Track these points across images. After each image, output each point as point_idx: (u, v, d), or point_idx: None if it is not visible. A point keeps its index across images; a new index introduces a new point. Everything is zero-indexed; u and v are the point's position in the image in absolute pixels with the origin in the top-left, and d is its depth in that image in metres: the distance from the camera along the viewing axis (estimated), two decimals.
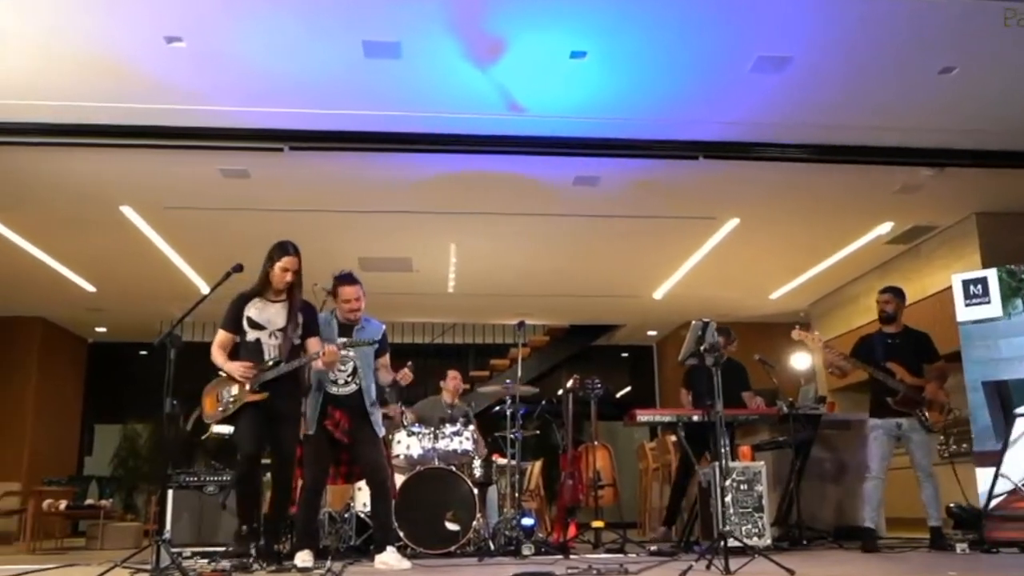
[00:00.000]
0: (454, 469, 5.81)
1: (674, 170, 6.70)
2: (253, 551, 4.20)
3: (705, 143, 6.25)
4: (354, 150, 6.23)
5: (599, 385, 6.36)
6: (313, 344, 4.46)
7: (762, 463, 5.49)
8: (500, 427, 6.40)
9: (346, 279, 4.84)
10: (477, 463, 6.20)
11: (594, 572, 4.04)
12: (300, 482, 4.86)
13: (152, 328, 11.41)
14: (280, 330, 4.48)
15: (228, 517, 5.50)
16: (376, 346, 4.77)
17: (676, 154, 6.35)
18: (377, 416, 4.83)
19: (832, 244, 8.67)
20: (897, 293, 6.00)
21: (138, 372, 12.97)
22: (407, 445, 6.01)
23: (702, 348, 4.62)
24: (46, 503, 7.53)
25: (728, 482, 5.31)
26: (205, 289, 9.48)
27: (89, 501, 8.48)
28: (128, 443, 12.19)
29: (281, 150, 6.08)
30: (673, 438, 8.58)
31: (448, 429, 6.06)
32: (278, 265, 4.51)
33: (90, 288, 9.65)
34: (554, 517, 7.23)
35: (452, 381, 7.06)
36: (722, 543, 3.97)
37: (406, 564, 4.49)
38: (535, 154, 6.31)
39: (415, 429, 6.05)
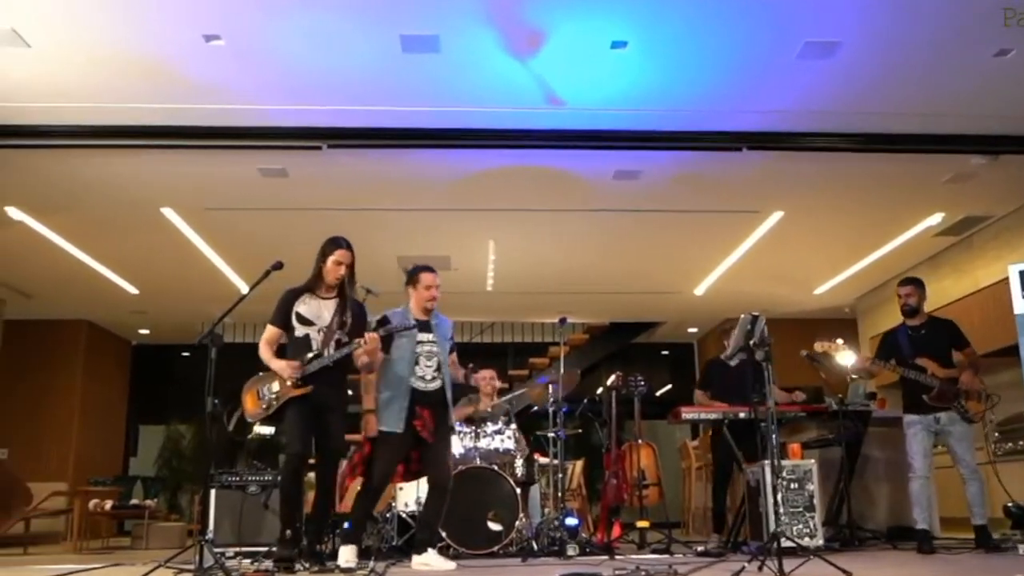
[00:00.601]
0: (496, 468, 5.74)
1: (717, 162, 6.56)
2: (296, 552, 4.15)
3: (749, 134, 6.10)
4: (392, 147, 6.19)
5: (643, 382, 6.25)
6: (368, 335, 4.40)
7: (813, 461, 5.34)
8: (540, 426, 6.32)
9: (425, 267, 4.85)
10: (519, 462, 6.13)
11: (642, 573, 3.94)
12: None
13: (194, 329, 11.52)
14: (328, 326, 4.45)
15: (271, 517, 5.47)
16: (415, 328, 4.67)
17: (719, 145, 6.21)
18: (452, 414, 4.81)
19: (879, 237, 8.45)
20: (919, 284, 5.84)
21: (181, 373, 13.15)
22: None
23: (751, 343, 4.49)
24: (92, 503, 7.61)
25: (778, 481, 5.16)
26: (245, 290, 9.50)
27: (134, 501, 8.56)
28: (172, 443, 12.32)
29: (319, 148, 6.05)
30: None
31: (489, 428, 6.00)
32: (331, 259, 4.49)
33: (133, 290, 9.74)
34: (597, 517, 7.13)
35: (488, 381, 6.95)
36: (775, 544, 3.84)
37: (451, 565, 4.42)
38: (574, 148, 6.22)
39: (456, 427, 5.98)
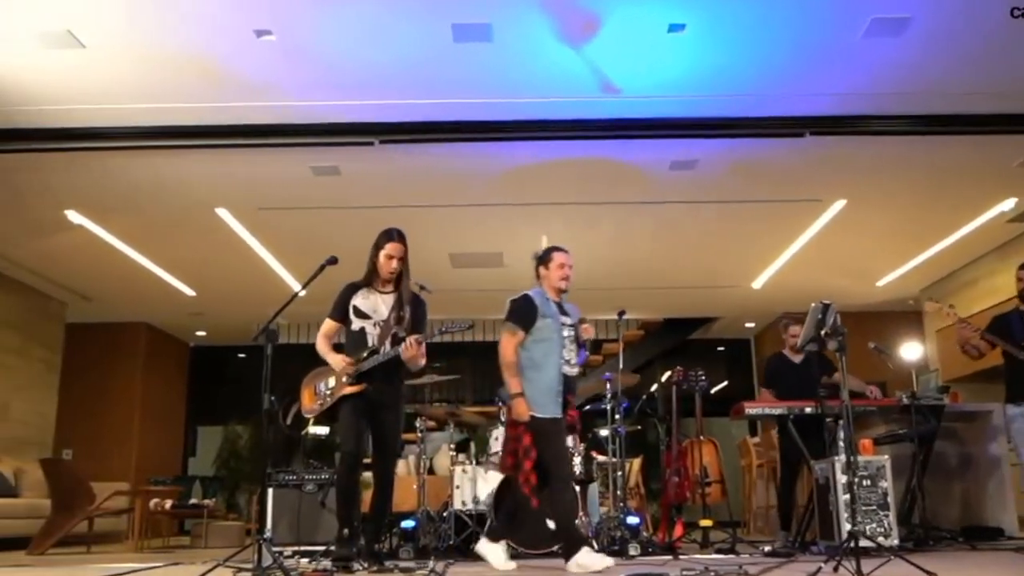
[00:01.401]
0: None
1: (777, 149, 6.35)
2: (354, 552, 4.09)
3: (812, 118, 5.87)
4: (444, 140, 6.10)
5: (704, 377, 6.09)
6: (408, 339, 4.28)
7: (886, 457, 5.12)
8: (596, 424, 6.20)
9: (557, 247, 4.64)
10: (577, 460, 5.99)
11: (711, 574, 3.79)
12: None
13: (250, 331, 11.52)
14: (384, 321, 4.38)
15: (328, 516, 5.45)
16: (468, 327, 4.53)
17: (780, 131, 5.99)
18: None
19: (947, 224, 8.12)
20: None
21: (237, 374, 13.28)
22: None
23: (823, 332, 4.29)
24: (152, 502, 7.69)
25: (848, 478, 4.96)
26: (300, 293, 9.55)
27: (193, 501, 8.64)
28: (229, 444, 12.44)
29: (371, 144, 6.00)
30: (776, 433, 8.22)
31: None
32: (383, 252, 4.43)
33: (190, 292, 9.85)
34: (655, 516, 6.97)
35: None
36: (851, 543, 3.66)
37: (608, 561, 4.13)
38: (629, 138, 6.07)
39: None
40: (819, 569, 3.58)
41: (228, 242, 8.15)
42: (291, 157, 6.34)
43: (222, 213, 7.46)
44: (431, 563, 4.02)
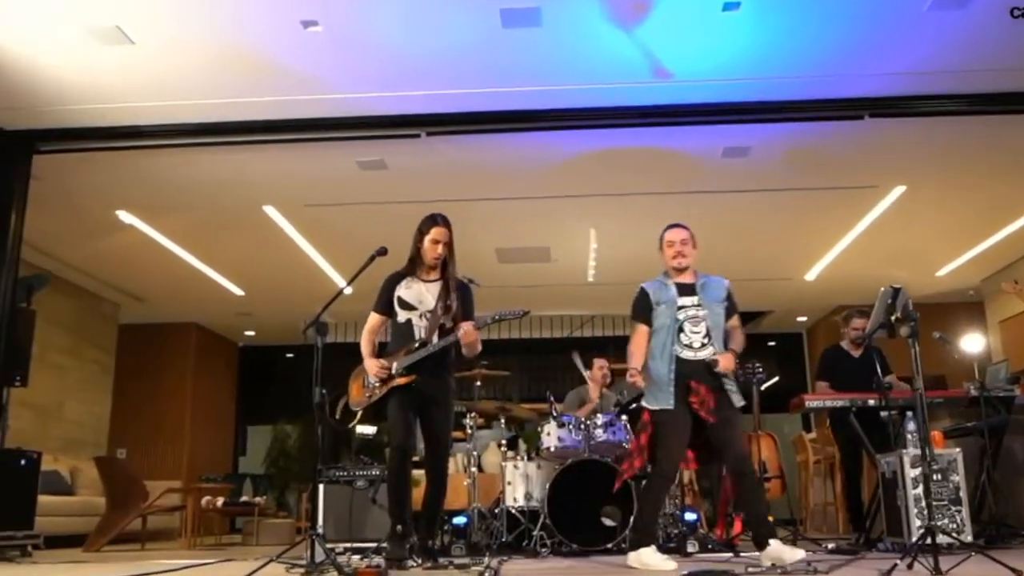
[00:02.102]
0: (609, 462, 5.49)
1: (834, 134, 6.15)
2: (407, 548, 4.00)
3: (872, 99, 5.66)
4: (491, 131, 6.03)
5: (761, 369, 5.91)
6: (464, 326, 4.16)
7: (958, 450, 4.88)
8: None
9: (670, 225, 4.45)
10: None
11: (778, 571, 3.63)
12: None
13: (297, 330, 11.56)
14: (431, 311, 4.28)
15: (378, 512, 5.37)
16: (524, 314, 4.32)
17: (839, 114, 5.80)
18: (734, 387, 4.22)
19: (1011, 211, 7.82)
20: None
21: (286, 373, 13.36)
22: (557, 436, 5.74)
23: (893, 318, 4.10)
24: (204, 500, 7.72)
25: (918, 472, 4.75)
26: (347, 289, 9.53)
27: (244, 498, 8.67)
28: (279, 443, 12.51)
29: (418, 136, 5.94)
30: None
31: (600, 419, 5.76)
32: (427, 237, 4.30)
33: (238, 292, 9.91)
34: (708, 512, 6.79)
35: (599, 370, 6.73)
36: (928, 539, 3.47)
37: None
38: (682, 124, 5.91)
39: (565, 419, 5.77)
40: (894, 566, 3.40)
41: (275, 240, 8.16)
42: (337, 152, 6.30)
43: (269, 211, 7.47)
44: (486, 559, 3.92)
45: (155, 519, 7.87)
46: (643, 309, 4.36)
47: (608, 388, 6.70)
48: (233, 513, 8.69)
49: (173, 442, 11.13)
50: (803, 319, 12.29)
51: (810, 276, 9.76)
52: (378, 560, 3.86)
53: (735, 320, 4.45)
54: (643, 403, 4.35)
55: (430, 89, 5.49)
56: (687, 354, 4.19)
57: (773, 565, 3.79)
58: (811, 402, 5.57)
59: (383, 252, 4.22)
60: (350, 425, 4.21)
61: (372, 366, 4.24)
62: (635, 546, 4.13)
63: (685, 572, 3.61)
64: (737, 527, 5.66)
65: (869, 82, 5.47)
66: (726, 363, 4.17)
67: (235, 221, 7.71)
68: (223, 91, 5.46)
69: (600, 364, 6.75)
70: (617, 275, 9.57)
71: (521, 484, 5.89)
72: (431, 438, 4.23)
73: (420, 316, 4.29)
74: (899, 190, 7.22)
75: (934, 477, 4.75)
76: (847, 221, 7.99)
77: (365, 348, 4.35)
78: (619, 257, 8.89)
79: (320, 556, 3.81)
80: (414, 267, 4.38)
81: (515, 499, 5.86)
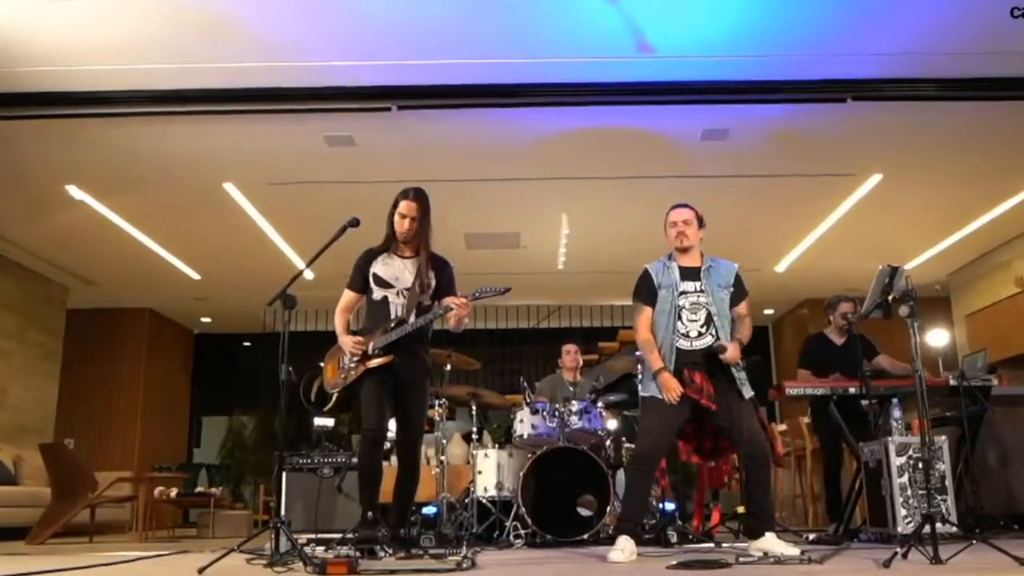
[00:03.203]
0: (585, 450, 5.30)
1: (814, 117, 6.03)
2: (380, 536, 3.76)
3: (856, 81, 5.54)
4: (464, 106, 5.77)
5: (754, 357, 5.77)
6: (455, 299, 3.92)
7: (944, 438, 4.78)
8: (626, 406, 5.89)
9: (673, 205, 4.28)
10: (609, 443, 5.68)
11: (770, 560, 3.47)
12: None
13: (255, 318, 11.31)
14: (408, 288, 4.04)
15: (345, 502, 5.12)
16: (505, 292, 4.04)
17: (822, 96, 5.66)
18: (743, 377, 4.06)
19: (986, 201, 7.77)
20: None
21: (242, 363, 13.01)
22: (531, 424, 5.54)
23: (890, 298, 3.96)
24: (157, 491, 7.37)
25: (904, 459, 4.64)
26: (309, 275, 9.21)
27: (199, 489, 8.32)
28: (234, 434, 12.19)
29: (388, 109, 5.67)
30: (806, 420, 7.88)
31: (575, 406, 5.56)
32: (397, 211, 4.10)
33: (195, 275, 9.53)
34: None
35: (568, 356, 6.51)
36: (926, 527, 3.34)
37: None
38: (663, 103, 5.73)
39: (539, 406, 5.57)
40: (895, 555, 3.25)
41: (235, 221, 7.83)
42: (304, 126, 6.02)
43: (230, 188, 7.14)
44: (463, 550, 3.68)
45: (104, 511, 7.49)
46: (648, 291, 4.17)
47: (582, 375, 6.50)
48: (188, 504, 8.36)
49: (124, 432, 10.71)
50: (770, 312, 12.26)
51: (780, 268, 9.69)
52: (343, 550, 3.62)
53: (743, 307, 4.27)
54: (639, 391, 4.18)
55: (403, 59, 5.23)
56: (683, 343, 4.04)
57: (765, 554, 3.63)
58: (791, 389, 5.46)
59: (355, 223, 3.99)
60: (324, 409, 3.93)
61: (347, 342, 4.00)
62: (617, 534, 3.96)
63: (675, 562, 3.43)
64: (715, 518, 5.52)
65: (855, 63, 5.33)
66: (733, 352, 3.98)
67: (193, 199, 7.36)
68: (183, 55, 5.14)
69: (567, 349, 6.54)
70: (587, 263, 9.42)
71: (492, 473, 5.68)
72: (405, 421, 4.00)
73: (397, 294, 4.08)
74: (875, 178, 7.14)
75: (918, 465, 4.64)
76: (822, 210, 7.90)
77: (338, 326, 4.13)
78: (590, 244, 8.71)
79: (285, 547, 3.57)
80: (390, 243, 4.16)
81: (485, 489, 5.65)
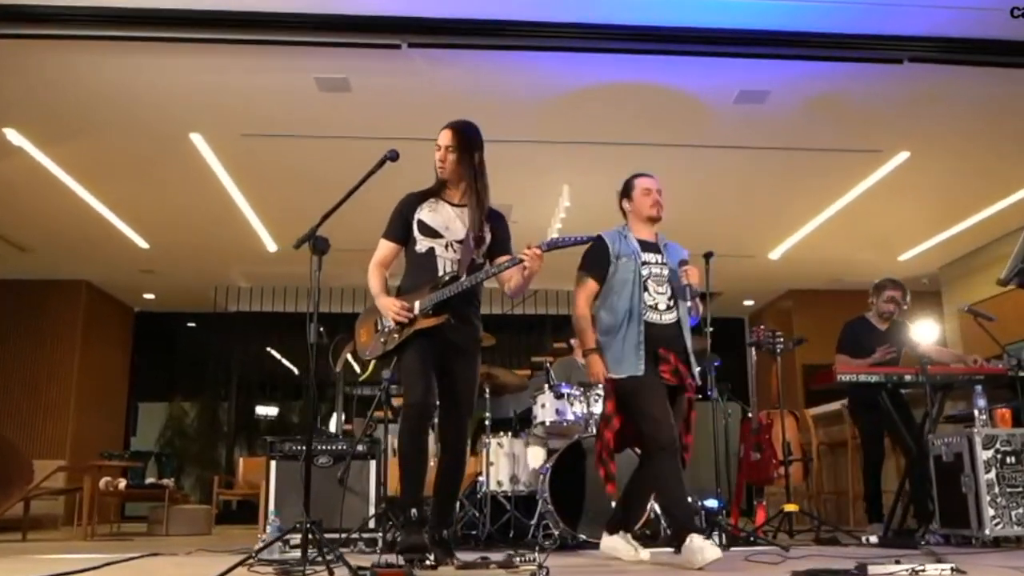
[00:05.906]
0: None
1: (861, 82, 5.51)
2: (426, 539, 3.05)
3: (915, 39, 5.02)
4: (482, 47, 5.04)
5: (781, 338, 5.25)
6: (528, 251, 3.24)
7: None
8: None
9: (637, 174, 3.97)
10: None
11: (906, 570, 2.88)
12: None
13: (205, 296, 10.37)
14: (459, 241, 3.35)
15: (349, 496, 4.34)
16: (585, 241, 3.50)
17: (876, 56, 5.13)
18: (692, 360, 3.72)
19: (999, 191, 7.46)
20: None
21: (185, 346, 12.08)
22: (555, 409, 4.88)
23: None
24: (103, 481, 6.45)
25: (991, 453, 4.13)
26: (272, 247, 8.38)
27: (150, 480, 7.41)
28: (175, 422, 11.34)
29: (398, 47, 4.93)
30: (813, 412, 7.41)
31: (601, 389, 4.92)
32: (436, 144, 3.45)
33: (143, 244, 8.56)
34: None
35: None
36: None
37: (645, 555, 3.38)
38: (697, 54, 5.11)
39: (564, 389, 4.91)
40: None
41: (198, 181, 6.96)
42: (293, 62, 5.22)
43: (196, 140, 6.27)
44: (535, 556, 2.98)
45: (37, 504, 6.56)
46: (599, 261, 3.77)
47: None
48: (139, 497, 7.43)
49: (54, 417, 9.66)
50: (750, 303, 11.85)
51: (774, 255, 9.26)
52: (387, 559, 2.91)
53: None
54: (609, 375, 3.66)
55: None
56: (652, 316, 3.65)
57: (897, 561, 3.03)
58: (844, 375, 4.90)
59: (394, 157, 3.28)
60: (361, 379, 3.22)
61: (390, 306, 3.28)
62: (680, 540, 3.35)
63: (802, 569, 2.82)
64: (759, 518, 4.96)
65: (916, 18, 4.79)
66: (694, 275, 3.68)
67: (152, 152, 6.47)
68: None
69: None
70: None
71: (506, 465, 5.00)
72: (452, 397, 3.30)
73: (446, 246, 3.40)
74: (902, 156, 6.68)
75: (1007, 460, 4.14)
76: (837, 190, 7.42)
77: (375, 284, 3.40)
78: (588, 219, 8.04)
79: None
80: (440, 188, 3.48)
81: (499, 483, 4.97)
